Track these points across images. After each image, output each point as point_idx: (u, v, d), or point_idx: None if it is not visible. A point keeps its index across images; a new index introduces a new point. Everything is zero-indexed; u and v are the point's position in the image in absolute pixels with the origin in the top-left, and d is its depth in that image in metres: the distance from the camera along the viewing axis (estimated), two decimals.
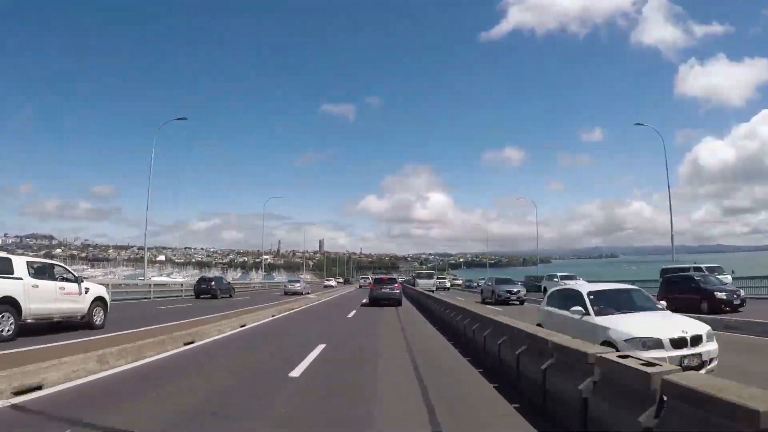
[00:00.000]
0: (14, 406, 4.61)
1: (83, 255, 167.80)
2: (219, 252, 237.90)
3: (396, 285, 24.11)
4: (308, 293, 34.71)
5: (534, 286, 32.11)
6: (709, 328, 6.41)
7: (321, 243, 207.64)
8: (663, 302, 7.79)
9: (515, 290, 24.75)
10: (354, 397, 5.41)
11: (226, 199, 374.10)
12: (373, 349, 9.08)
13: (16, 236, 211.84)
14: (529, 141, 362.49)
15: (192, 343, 9.18)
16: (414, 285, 41.40)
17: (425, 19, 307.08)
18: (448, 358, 8.13)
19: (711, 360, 6.04)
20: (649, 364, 3.19)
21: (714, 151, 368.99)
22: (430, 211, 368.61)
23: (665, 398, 2.81)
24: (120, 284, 27.82)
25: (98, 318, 11.09)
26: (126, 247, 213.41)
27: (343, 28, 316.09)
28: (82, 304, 10.62)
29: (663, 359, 4.64)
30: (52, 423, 4.22)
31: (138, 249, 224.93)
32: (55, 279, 10.17)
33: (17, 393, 4.89)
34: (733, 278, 21.69)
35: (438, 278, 51.34)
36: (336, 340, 10.24)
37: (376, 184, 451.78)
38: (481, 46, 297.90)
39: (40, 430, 4.16)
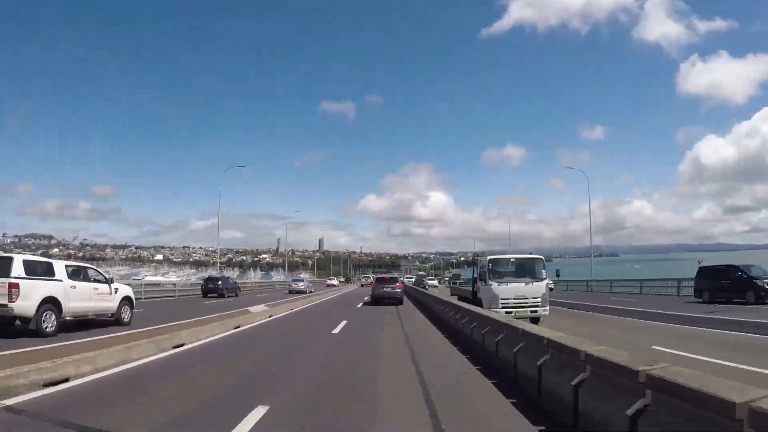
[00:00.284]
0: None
1: (80, 254, 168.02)
2: (217, 251, 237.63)
3: (398, 284, 23.93)
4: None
5: None
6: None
7: (321, 242, 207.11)
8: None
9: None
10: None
11: (226, 198, 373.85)
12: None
13: (15, 236, 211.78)
14: (529, 139, 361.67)
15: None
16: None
17: (425, 16, 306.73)
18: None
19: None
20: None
21: (715, 149, 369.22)
22: (430, 210, 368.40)
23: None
24: None
25: (126, 315, 12.14)
26: (124, 247, 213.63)
27: (343, 27, 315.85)
28: (112, 303, 11.67)
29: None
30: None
31: (136, 248, 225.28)
32: (90, 280, 11.21)
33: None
34: None
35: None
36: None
37: (376, 183, 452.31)
38: (482, 42, 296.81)
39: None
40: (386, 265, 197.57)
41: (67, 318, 10.24)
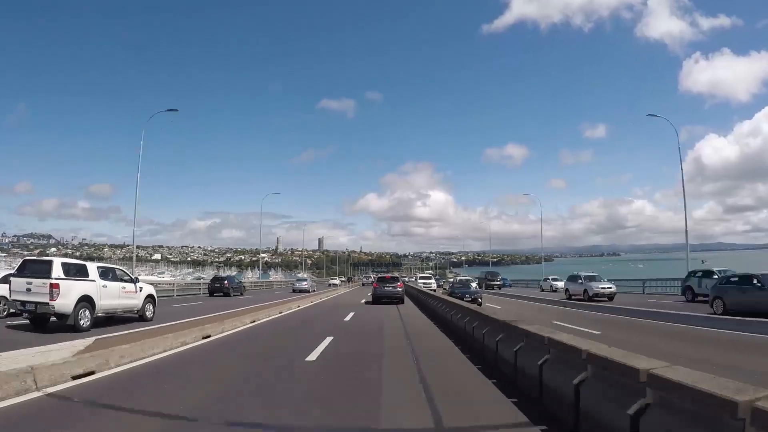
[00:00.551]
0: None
1: (78, 254, 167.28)
2: (216, 250, 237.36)
3: (399, 283, 24.16)
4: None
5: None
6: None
7: (320, 241, 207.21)
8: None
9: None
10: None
11: (226, 198, 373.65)
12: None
13: (14, 235, 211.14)
14: (531, 138, 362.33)
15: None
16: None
17: (425, 13, 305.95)
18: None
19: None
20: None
21: (717, 149, 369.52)
22: (430, 210, 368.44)
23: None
24: None
25: (149, 312, 13.10)
26: (122, 246, 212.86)
27: (342, 24, 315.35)
28: (137, 301, 12.62)
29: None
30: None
31: (135, 248, 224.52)
32: (118, 280, 12.11)
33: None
34: None
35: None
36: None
37: (376, 181, 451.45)
38: (483, 39, 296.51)
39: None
40: (386, 264, 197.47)
41: (99, 314, 11.17)
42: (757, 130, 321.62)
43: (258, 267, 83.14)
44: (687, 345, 9.30)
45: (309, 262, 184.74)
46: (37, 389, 4.99)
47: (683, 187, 30.25)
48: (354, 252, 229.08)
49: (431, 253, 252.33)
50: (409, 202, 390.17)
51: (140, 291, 12.71)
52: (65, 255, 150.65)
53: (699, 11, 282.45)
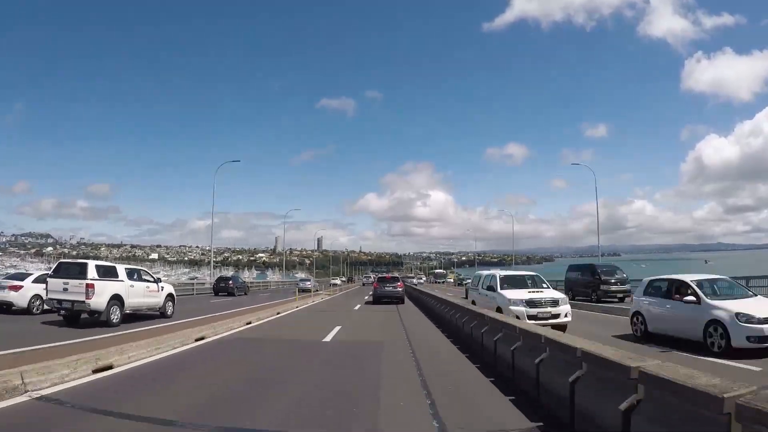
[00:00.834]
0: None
1: (74, 253, 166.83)
2: (214, 250, 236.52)
3: (399, 283, 24.17)
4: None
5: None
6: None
7: (319, 241, 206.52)
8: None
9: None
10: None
11: (225, 198, 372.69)
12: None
13: (12, 235, 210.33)
14: (531, 137, 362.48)
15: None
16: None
17: (425, 10, 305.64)
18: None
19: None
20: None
21: (717, 149, 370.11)
22: (430, 210, 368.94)
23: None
24: None
25: (170, 310, 14.15)
26: (119, 246, 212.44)
27: (342, 22, 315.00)
28: (159, 299, 13.66)
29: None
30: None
31: (131, 247, 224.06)
32: (142, 280, 13.09)
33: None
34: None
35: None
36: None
37: (376, 181, 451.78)
38: (484, 37, 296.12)
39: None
40: (386, 264, 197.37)
41: (127, 311, 12.18)
42: (758, 130, 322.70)
43: (256, 267, 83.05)
44: None
45: (308, 262, 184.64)
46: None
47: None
48: (353, 252, 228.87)
49: (431, 253, 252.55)
50: (409, 202, 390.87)
51: (161, 290, 13.74)
52: (62, 254, 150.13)
53: (702, 9, 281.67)
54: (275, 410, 4.71)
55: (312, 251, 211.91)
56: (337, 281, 72.63)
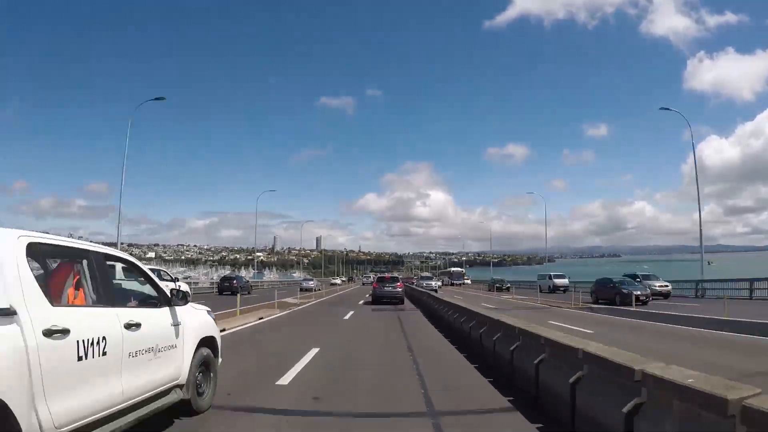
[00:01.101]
0: None
1: None
2: (212, 249, 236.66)
3: (399, 284, 23.75)
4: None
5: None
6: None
7: (318, 240, 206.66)
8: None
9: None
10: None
11: (224, 197, 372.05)
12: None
13: None
14: (532, 137, 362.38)
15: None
16: None
17: (426, 9, 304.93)
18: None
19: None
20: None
21: (718, 150, 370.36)
22: (430, 209, 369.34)
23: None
24: None
25: None
26: (115, 245, 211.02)
27: (342, 20, 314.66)
28: None
29: None
30: None
31: (128, 246, 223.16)
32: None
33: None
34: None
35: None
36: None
37: (376, 181, 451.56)
38: (485, 35, 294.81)
39: None
40: (385, 263, 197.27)
41: None
42: (759, 132, 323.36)
43: (253, 266, 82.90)
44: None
45: (306, 261, 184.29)
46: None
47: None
48: (353, 251, 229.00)
49: (431, 253, 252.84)
50: (408, 202, 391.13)
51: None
52: None
53: (706, 8, 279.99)
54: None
55: (311, 251, 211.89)
56: (338, 281, 73.73)
